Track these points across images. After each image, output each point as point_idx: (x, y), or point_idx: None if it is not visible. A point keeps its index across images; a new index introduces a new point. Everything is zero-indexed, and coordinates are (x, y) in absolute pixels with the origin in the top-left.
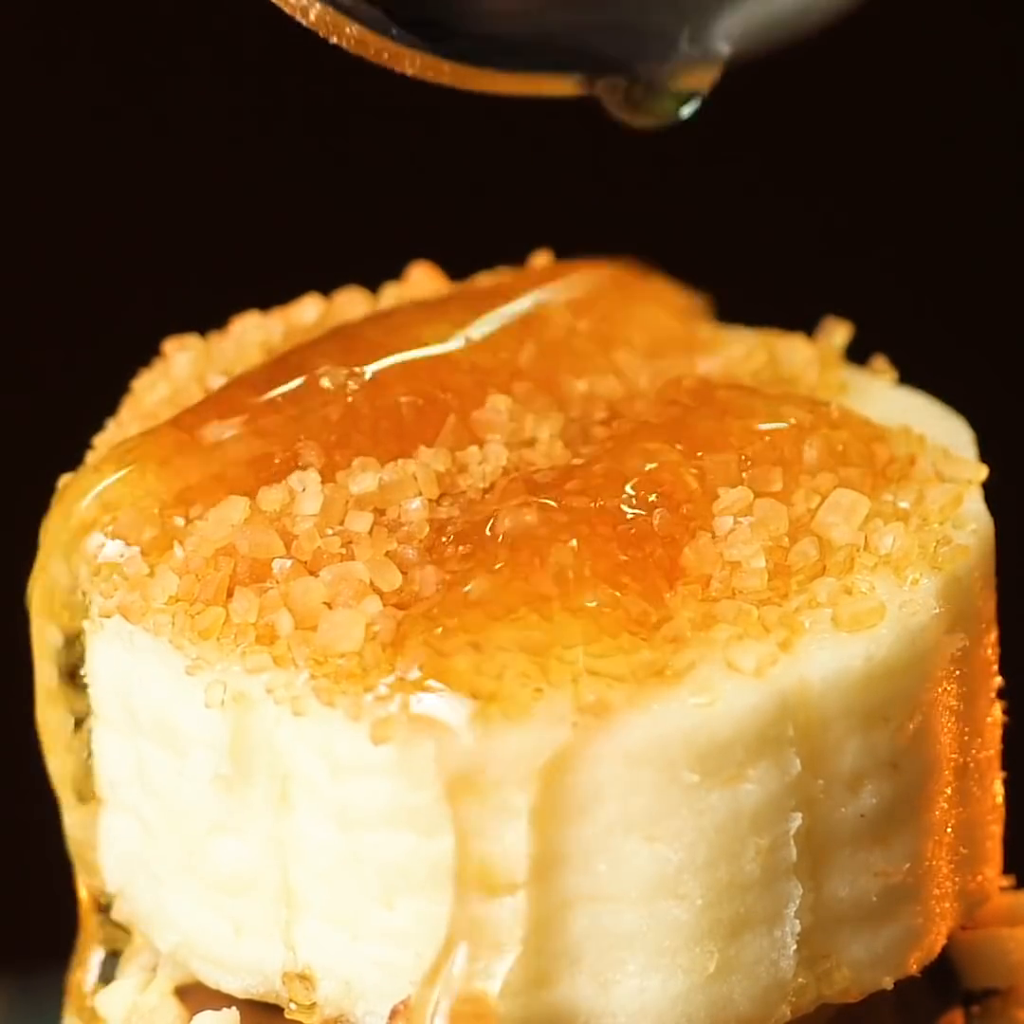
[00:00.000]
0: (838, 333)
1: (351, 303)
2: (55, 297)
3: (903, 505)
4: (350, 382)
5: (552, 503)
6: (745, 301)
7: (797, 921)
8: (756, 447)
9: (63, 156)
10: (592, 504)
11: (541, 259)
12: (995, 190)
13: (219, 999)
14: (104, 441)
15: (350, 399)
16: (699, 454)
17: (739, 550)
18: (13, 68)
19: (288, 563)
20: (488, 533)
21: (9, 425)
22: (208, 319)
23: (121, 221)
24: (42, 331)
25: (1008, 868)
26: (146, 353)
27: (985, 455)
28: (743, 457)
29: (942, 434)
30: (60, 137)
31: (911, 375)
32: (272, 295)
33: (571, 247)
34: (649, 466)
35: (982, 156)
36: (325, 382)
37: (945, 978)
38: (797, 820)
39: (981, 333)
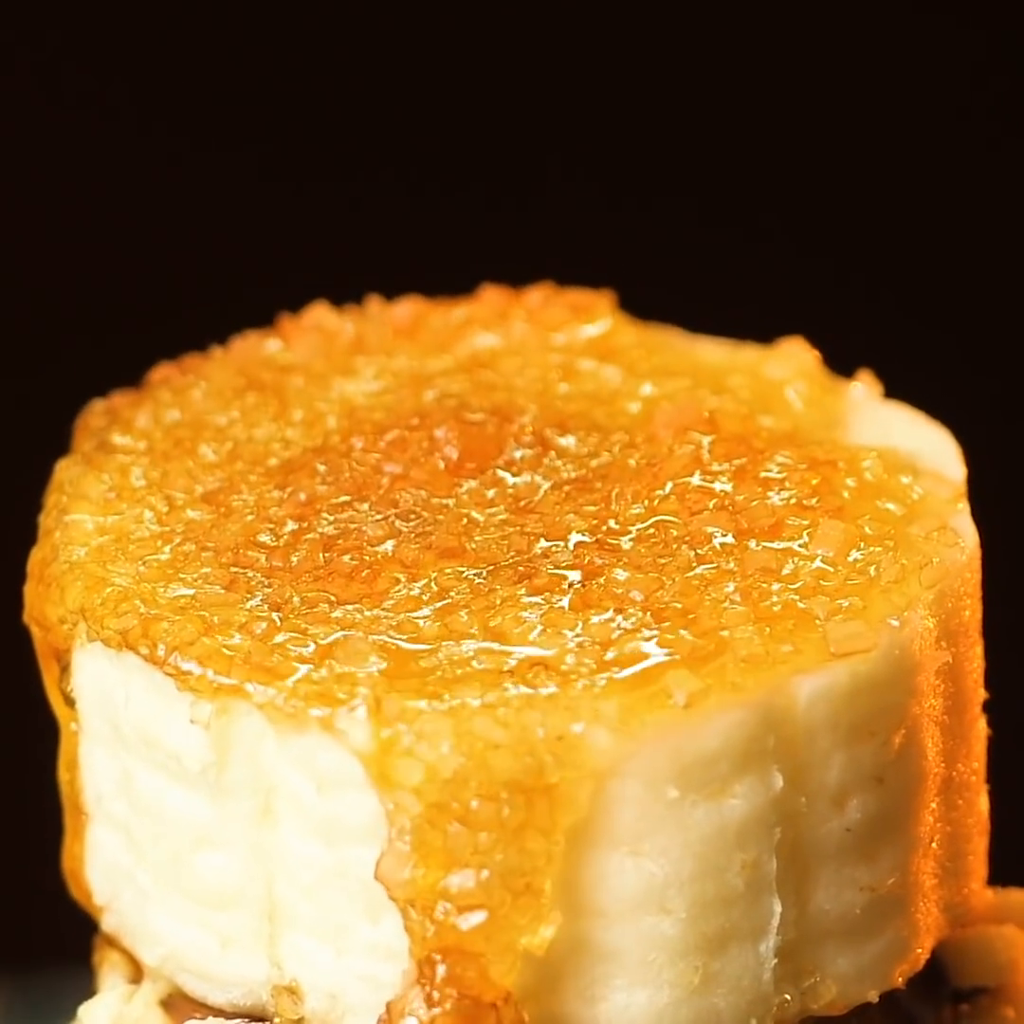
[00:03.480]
0: (814, 349)
1: (320, 323)
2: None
3: (892, 520)
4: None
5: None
6: (731, 316)
7: (782, 935)
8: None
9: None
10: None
11: (491, 291)
12: (979, 204)
13: (204, 1009)
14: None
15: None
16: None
17: (727, 569)
18: None
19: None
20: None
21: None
22: (184, 335)
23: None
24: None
25: (998, 868)
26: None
27: (970, 466)
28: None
29: (927, 446)
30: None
31: (896, 387)
32: (252, 311)
33: (568, 265)
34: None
35: (967, 172)
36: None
37: (934, 977)
38: (781, 835)
39: (965, 345)
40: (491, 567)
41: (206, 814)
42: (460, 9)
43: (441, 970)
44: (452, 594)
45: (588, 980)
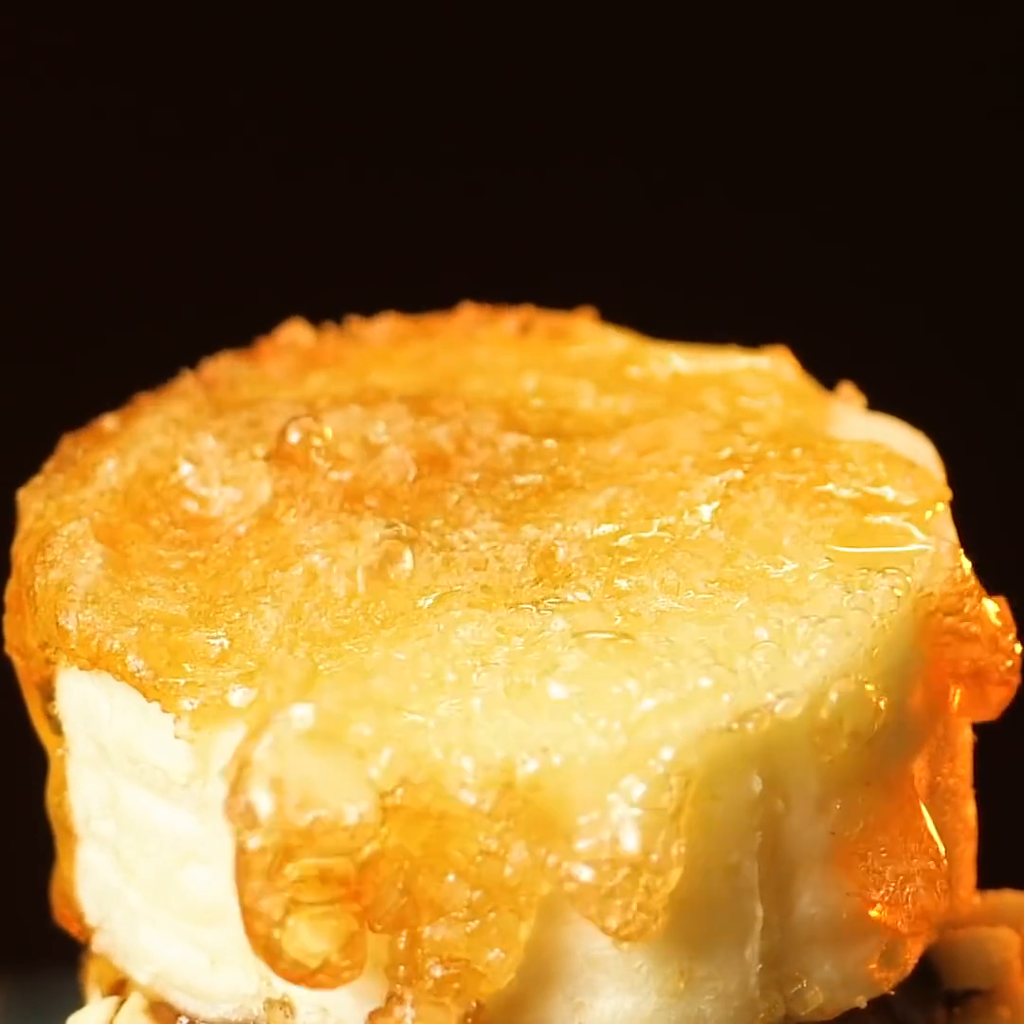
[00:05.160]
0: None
1: (294, 341)
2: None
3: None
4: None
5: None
6: (715, 326)
7: (766, 940)
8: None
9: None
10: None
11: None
12: (962, 221)
13: (192, 1018)
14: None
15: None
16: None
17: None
18: None
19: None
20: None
21: None
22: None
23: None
24: None
25: (989, 870)
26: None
27: (950, 475)
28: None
29: (908, 455)
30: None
31: (878, 398)
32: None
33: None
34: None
35: (950, 186)
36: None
37: (926, 980)
38: (762, 839)
39: (948, 355)
40: (449, 589)
41: (192, 829)
42: (438, 26)
43: (410, 1013)
44: (410, 624)
45: (574, 987)
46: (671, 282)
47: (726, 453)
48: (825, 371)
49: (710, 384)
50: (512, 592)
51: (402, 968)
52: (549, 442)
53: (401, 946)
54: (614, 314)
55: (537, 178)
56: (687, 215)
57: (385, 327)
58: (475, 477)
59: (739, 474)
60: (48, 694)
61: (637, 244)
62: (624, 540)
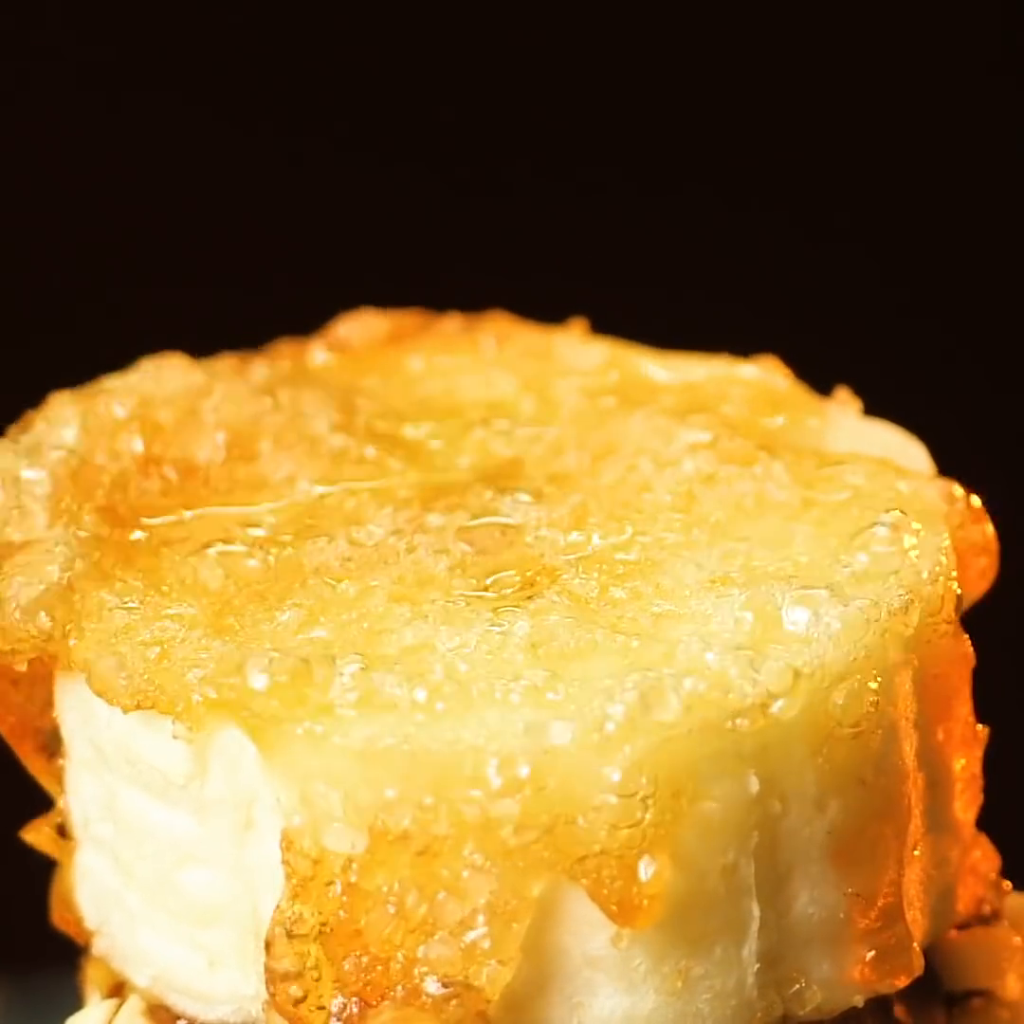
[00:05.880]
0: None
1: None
2: None
3: (874, 531)
4: None
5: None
6: (710, 333)
7: (764, 940)
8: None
9: None
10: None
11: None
12: (961, 228)
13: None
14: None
15: None
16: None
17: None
18: None
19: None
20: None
21: None
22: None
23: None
24: None
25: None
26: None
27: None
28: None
29: (903, 460)
30: None
31: (875, 403)
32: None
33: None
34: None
35: (948, 190)
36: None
37: (926, 980)
38: (759, 838)
39: (944, 359)
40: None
41: (190, 831)
42: (429, 27)
43: None
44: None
45: (572, 987)
46: (666, 289)
47: (690, 456)
48: (824, 376)
49: (676, 392)
50: (445, 588)
51: (400, 988)
52: (370, 449)
53: (396, 967)
54: (608, 323)
55: (528, 184)
56: (682, 221)
57: (360, 334)
58: (288, 471)
59: (714, 473)
60: (41, 743)
61: (631, 252)
62: (597, 543)
